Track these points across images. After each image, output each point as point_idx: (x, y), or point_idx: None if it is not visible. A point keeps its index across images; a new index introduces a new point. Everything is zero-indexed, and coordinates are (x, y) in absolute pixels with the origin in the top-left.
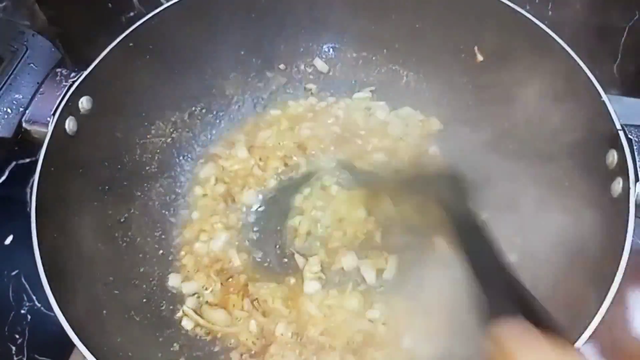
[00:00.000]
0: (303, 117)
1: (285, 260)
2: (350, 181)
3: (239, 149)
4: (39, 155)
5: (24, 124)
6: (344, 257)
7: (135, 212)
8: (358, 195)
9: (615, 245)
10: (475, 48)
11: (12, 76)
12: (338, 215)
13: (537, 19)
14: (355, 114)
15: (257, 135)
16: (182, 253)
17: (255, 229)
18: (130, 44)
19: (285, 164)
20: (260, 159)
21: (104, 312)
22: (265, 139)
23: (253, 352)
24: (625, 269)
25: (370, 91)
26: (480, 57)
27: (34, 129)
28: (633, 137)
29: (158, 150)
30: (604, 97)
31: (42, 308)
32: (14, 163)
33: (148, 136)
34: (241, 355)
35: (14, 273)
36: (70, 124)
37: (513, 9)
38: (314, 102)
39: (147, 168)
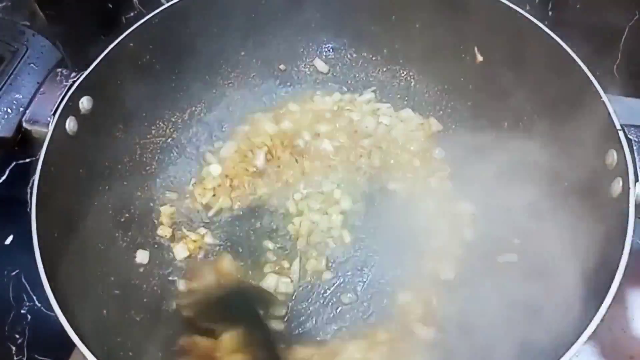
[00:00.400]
0: (303, 123)
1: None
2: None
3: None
4: (39, 155)
5: (24, 124)
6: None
7: (135, 212)
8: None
9: (616, 245)
10: (475, 48)
11: (12, 76)
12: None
13: (537, 19)
14: (355, 119)
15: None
16: None
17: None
18: (131, 44)
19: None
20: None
21: (104, 312)
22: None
23: None
24: (625, 269)
25: (372, 91)
26: (480, 58)
27: (34, 128)
28: (633, 137)
29: (158, 150)
30: (604, 97)
31: (42, 308)
32: (14, 163)
33: (148, 136)
34: None
35: (14, 273)
36: (70, 124)
37: (513, 9)
38: (313, 104)
39: (148, 168)
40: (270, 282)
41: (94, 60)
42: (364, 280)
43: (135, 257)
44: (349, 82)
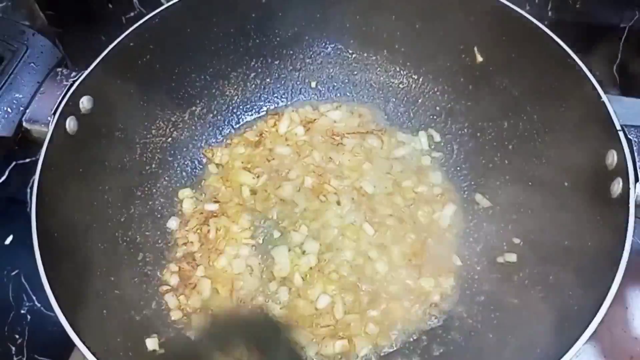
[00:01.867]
0: (302, 125)
1: None
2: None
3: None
4: (39, 155)
5: (24, 124)
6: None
7: (135, 211)
8: None
9: (615, 245)
10: (475, 48)
11: (12, 75)
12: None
13: (536, 19)
14: (353, 121)
15: (255, 149)
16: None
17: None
18: (131, 44)
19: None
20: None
21: (104, 312)
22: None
23: None
24: (625, 269)
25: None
26: (480, 58)
27: (34, 128)
28: (633, 137)
29: (158, 150)
30: (604, 97)
31: (42, 308)
32: (14, 163)
33: (148, 136)
34: None
35: (14, 273)
36: (70, 124)
37: (513, 9)
38: (313, 107)
39: (147, 168)
40: None
41: (94, 60)
42: None
43: (135, 257)
44: (349, 82)
